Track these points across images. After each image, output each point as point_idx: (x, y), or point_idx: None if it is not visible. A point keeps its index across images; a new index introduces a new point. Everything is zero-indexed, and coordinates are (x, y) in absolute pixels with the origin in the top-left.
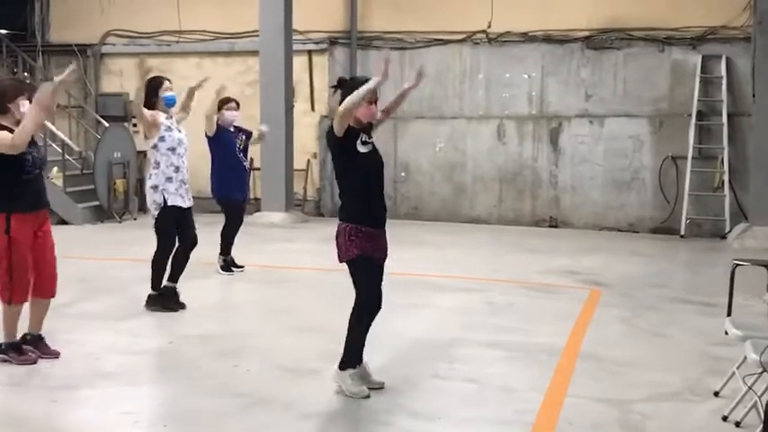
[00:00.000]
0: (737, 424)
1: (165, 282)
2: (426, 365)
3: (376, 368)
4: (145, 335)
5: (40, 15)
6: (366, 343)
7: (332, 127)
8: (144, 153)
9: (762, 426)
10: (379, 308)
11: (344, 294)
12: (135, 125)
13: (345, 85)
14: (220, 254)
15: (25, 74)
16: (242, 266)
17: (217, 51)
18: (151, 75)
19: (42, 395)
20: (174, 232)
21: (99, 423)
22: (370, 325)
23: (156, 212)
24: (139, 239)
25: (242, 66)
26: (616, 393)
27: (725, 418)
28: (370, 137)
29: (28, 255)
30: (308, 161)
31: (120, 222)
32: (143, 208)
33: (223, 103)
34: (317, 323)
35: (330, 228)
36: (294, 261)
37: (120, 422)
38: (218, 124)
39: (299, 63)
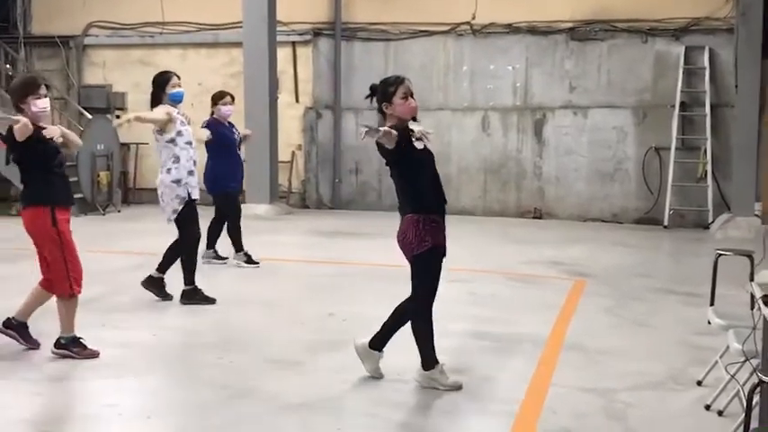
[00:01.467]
0: (720, 413)
1: (153, 272)
2: (410, 356)
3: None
4: (129, 327)
5: (21, 7)
6: (361, 334)
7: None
8: (127, 145)
9: (744, 414)
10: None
11: (329, 287)
12: (118, 116)
13: (377, 91)
14: (236, 251)
15: (7, 66)
16: (225, 258)
17: (200, 43)
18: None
19: (26, 387)
20: (198, 224)
21: (83, 415)
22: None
23: (181, 207)
24: (123, 232)
25: (226, 57)
26: (600, 383)
27: (708, 407)
28: (419, 136)
29: (75, 244)
30: (293, 153)
31: (103, 215)
32: (127, 200)
33: (218, 98)
34: (302, 315)
35: (316, 219)
36: (279, 253)
37: (104, 414)
38: (214, 119)
39: (283, 55)
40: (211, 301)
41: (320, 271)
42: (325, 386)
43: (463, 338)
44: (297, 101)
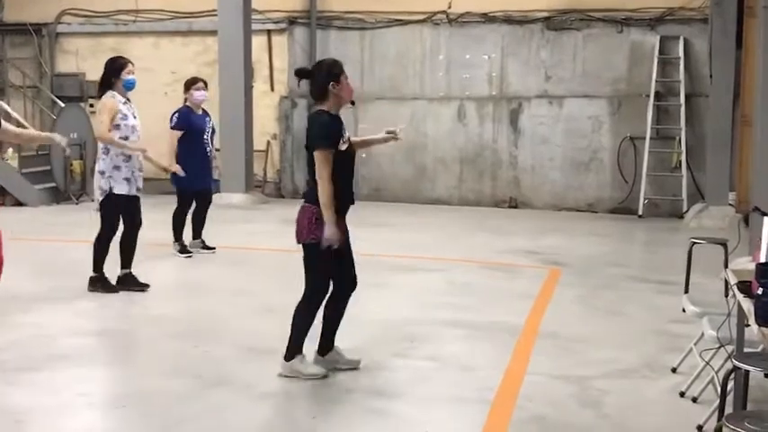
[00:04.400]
0: (695, 399)
1: (120, 270)
2: (387, 345)
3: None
4: (102, 316)
5: None
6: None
7: (315, 131)
8: None
9: (718, 400)
10: (354, 287)
11: (303, 275)
12: (92, 105)
13: (312, 75)
14: (175, 240)
15: None
16: (213, 248)
17: (174, 31)
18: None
19: None
20: (118, 219)
21: (55, 405)
22: (316, 313)
23: (101, 198)
24: (96, 221)
25: (200, 46)
26: (574, 370)
27: (682, 394)
28: (344, 132)
29: None
30: (268, 142)
31: (76, 204)
32: None
33: (190, 83)
34: (277, 304)
35: (291, 209)
36: (254, 242)
37: (75, 404)
38: (186, 107)
39: (259, 43)
40: (115, 290)
41: (294, 260)
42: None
43: (439, 327)
44: (272, 90)
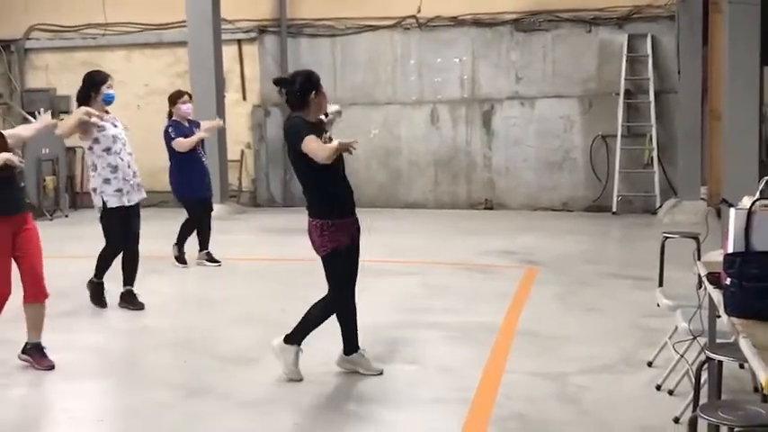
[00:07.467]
0: (671, 392)
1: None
2: (366, 349)
3: (318, 353)
4: (80, 330)
5: None
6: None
7: (292, 132)
8: (73, 149)
9: (693, 392)
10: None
11: (281, 283)
12: (63, 120)
13: (294, 82)
14: (175, 244)
15: None
16: (219, 261)
17: (144, 43)
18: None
19: None
20: (120, 231)
21: (34, 420)
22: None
23: (99, 214)
24: (71, 237)
25: (171, 57)
26: (552, 367)
27: (659, 387)
28: (325, 131)
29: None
30: (242, 152)
31: (50, 220)
32: (74, 205)
33: (176, 97)
34: (255, 313)
35: (267, 218)
36: (231, 252)
37: (55, 419)
38: (175, 121)
39: (229, 53)
40: (102, 304)
41: (273, 268)
42: (280, 382)
43: (418, 330)
44: (244, 99)
